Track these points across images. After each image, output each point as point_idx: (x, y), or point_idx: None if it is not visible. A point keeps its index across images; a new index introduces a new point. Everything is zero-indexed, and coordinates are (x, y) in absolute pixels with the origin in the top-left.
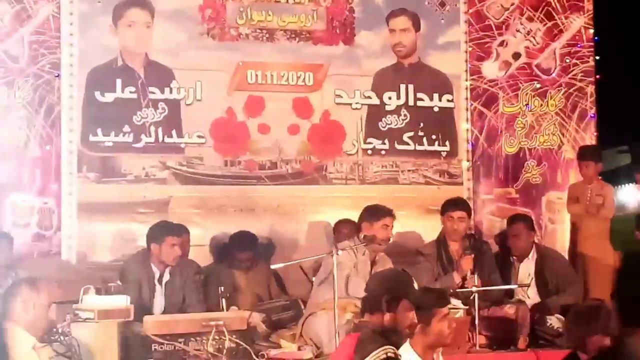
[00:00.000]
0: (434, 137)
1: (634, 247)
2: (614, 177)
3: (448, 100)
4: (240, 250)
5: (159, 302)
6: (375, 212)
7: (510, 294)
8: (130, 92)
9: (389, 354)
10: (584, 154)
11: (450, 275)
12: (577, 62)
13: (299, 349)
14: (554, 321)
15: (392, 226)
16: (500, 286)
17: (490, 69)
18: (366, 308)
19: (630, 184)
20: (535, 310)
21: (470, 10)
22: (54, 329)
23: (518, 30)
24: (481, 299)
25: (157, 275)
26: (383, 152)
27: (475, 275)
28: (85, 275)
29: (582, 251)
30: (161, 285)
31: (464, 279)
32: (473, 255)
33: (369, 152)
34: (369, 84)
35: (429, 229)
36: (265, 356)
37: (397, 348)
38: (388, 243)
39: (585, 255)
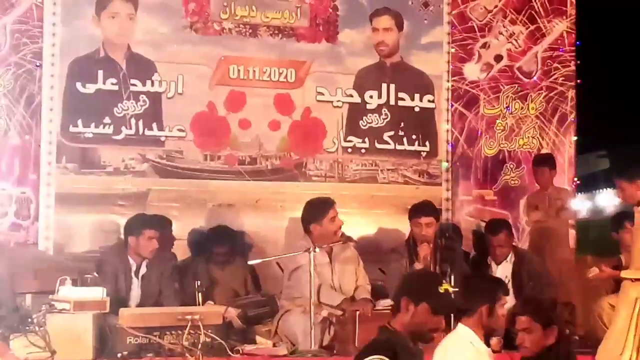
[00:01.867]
0: (414, 137)
1: (610, 249)
2: (593, 181)
3: (429, 101)
4: (218, 244)
5: (135, 294)
6: (319, 208)
7: None
8: (112, 84)
9: None
10: (539, 161)
11: (412, 267)
12: (559, 66)
13: (274, 345)
14: None
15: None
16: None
17: (472, 70)
18: (394, 308)
19: (609, 188)
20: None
21: (454, 12)
22: (29, 319)
23: (501, 33)
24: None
25: (133, 268)
26: (363, 150)
27: (447, 272)
28: (62, 266)
29: (543, 256)
30: (137, 278)
31: (426, 267)
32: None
33: (349, 150)
34: (350, 82)
35: (406, 227)
36: (240, 351)
37: (410, 351)
38: (343, 234)
39: (545, 260)
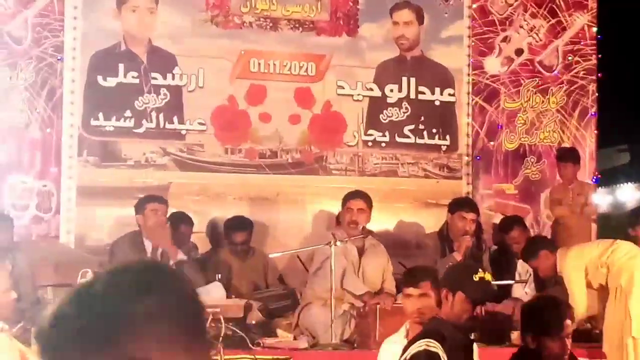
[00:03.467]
0: (434, 130)
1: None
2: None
3: (449, 95)
4: (235, 232)
5: None
6: (344, 197)
7: (507, 290)
8: (133, 77)
9: (430, 347)
10: (563, 155)
11: (451, 255)
12: (580, 59)
13: (294, 338)
14: None
15: (363, 209)
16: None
17: (493, 64)
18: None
19: (629, 183)
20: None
21: (474, 5)
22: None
23: (521, 27)
24: None
25: (149, 253)
26: (383, 144)
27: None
28: (83, 259)
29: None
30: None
31: (465, 259)
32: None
33: (369, 144)
34: (371, 76)
35: (427, 221)
36: (261, 344)
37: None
38: (360, 229)
39: None
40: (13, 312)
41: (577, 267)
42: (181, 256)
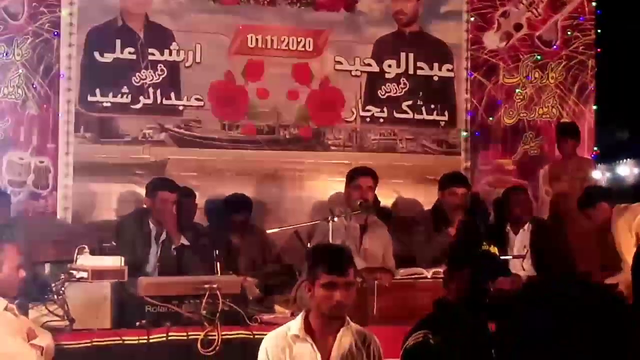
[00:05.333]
0: (432, 106)
1: None
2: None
3: (448, 70)
4: (235, 212)
5: (153, 261)
6: (350, 174)
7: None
8: (130, 53)
9: (428, 339)
10: (562, 130)
11: (445, 232)
12: (579, 35)
13: (292, 314)
14: None
15: (371, 187)
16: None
17: (491, 39)
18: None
19: (628, 159)
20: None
21: None
22: (48, 288)
23: (520, 1)
24: None
25: (153, 233)
26: (381, 120)
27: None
28: (80, 235)
29: (565, 226)
30: (157, 244)
31: (459, 233)
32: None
33: (368, 119)
34: (369, 52)
35: (426, 197)
36: (259, 320)
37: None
38: (369, 205)
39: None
40: (20, 290)
41: (627, 228)
42: (183, 241)
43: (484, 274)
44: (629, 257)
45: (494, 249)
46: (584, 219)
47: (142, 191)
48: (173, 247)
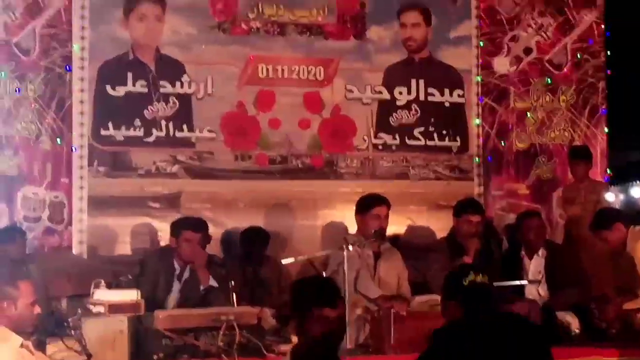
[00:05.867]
0: (444, 132)
1: None
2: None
3: (459, 96)
4: (252, 245)
5: (174, 298)
6: (366, 203)
7: (519, 291)
8: (141, 86)
9: None
10: (574, 153)
11: (461, 259)
12: (589, 57)
13: None
14: (566, 319)
15: (387, 215)
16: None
17: (502, 64)
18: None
19: None
20: (545, 307)
21: (482, 5)
22: (65, 323)
23: (529, 25)
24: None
25: (177, 272)
26: (394, 147)
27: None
28: (96, 269)
29: (579, 250)
30: (179, 282)
31: (475, 261)
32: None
33: (380, 147)
34: (379, 79)
35: (439, 224)
36: (275, 351)
37: None
38: (383, 234)
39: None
40: (35, 326)
41: None
42: (212, 282)
43: (472, 305)
44: None
45: (481, 278)
46: (598, 241)
47: (155, 224)
48: (202, 287)
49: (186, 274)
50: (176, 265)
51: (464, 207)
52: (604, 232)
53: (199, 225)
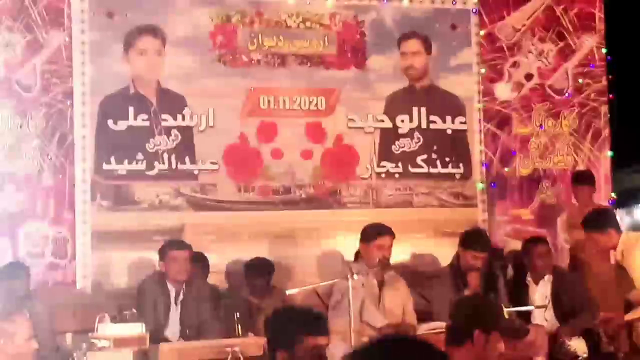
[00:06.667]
0: (447, 159)
1: None
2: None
3: (461, 122)
4: (256, 276)
5: (174, 322)
6: (370, 232)
7: (526, 316)
8: (143, 120)
9: None
10: (578, 178)
11: (462, 293)
12: (590, 81)
13: None
14: (574, 344)
15: (391, 245)
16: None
17: (503, 90)
18: (453, 339)
19: None
20: (553, 333)
21: (482, 32)
22: (70, 358)
23: (530, 51)
24: None
25: (172, 294)
26: (397, 175)
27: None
28: (101, 304)
29: (585, 274)
30: (177, 305)
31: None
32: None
33: (383, 175)
34: (381, 108)
35: (444, 251)
36: None
37: None
38: (388, 263)
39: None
40: None
41: None
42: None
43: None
44: None
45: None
46: (588, 241)
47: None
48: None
49: (181, 296)
50: (170, 287)
51: (472, 242)
52: (597, 234)
53: (182, 244)
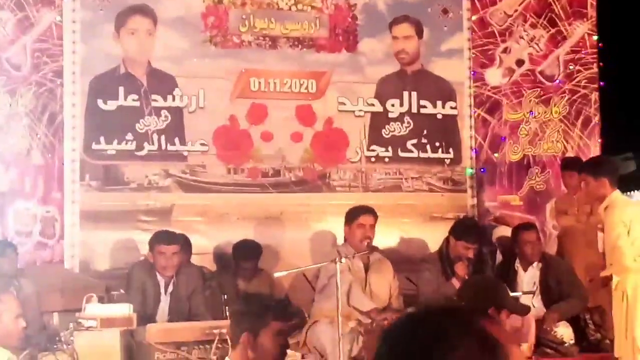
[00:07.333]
0: (437, 144)
1: None
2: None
3: (451, 108)
4: (244, 259)
5: (163, 311)
6: (353, 212)
7: None
8: (133, 100)
9: None
10: (567, 164)
11: (450, 283)
12: (581, 68)
13: (302, 356)
14: (561, 330)
15: (374, 225)
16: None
17: (494, 75)
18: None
19: (636, 191)
20: (540, 318)
21: (474, 17)
22: (57, 338)
23: (521, 37)
24: None
25: (162, 284)
26: (386, 159)
27: None
28: (88, 284)
29: (573, 261)
30: (166, 295)
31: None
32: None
33: (372, 159)
34: (372, 91)
35: (432, 236)
36: None
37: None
38: (375, 246)
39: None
40: (21, 340)
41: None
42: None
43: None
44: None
45: None
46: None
47: (148, 238)
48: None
49: (170, 287)
50: (159, 278)
51: (463, 233)
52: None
53: (171, 238)
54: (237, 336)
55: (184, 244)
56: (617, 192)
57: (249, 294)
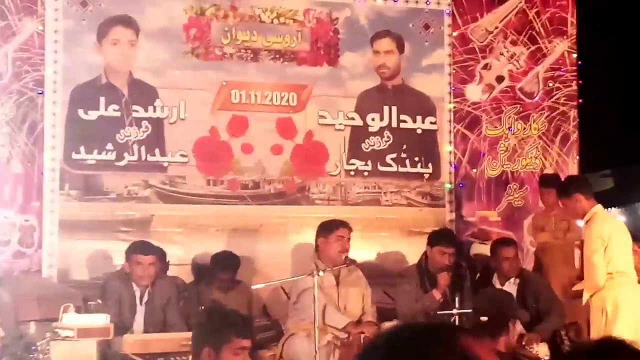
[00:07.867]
0: (416, 159)
1: None
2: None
3: (431, 123)
4: (222, 270)
5: (139, 321)
6: (329, 225)
7: None
8: (114, 110)
9: None
10: (545, 181)
11: (430, 294)
12: (560, 86)
13: None
14: (536, 346)
15: (349, 238)
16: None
17: (474, 91)
18: (488, 333)
19: (613, 208)
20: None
21: (455, 33)
22: (33, 347)
23: (502, 54)
24: (461, 323)
25: (137, 295)
26: (366, 173)
27: (456, 298)
28: (66, 294)
29: (549, 277)
30: (142, 305)
31: (444, 295)
32: (450, 273)
33: (352, 173)
34: (352, 105)
35: (410, 250)
36: None
37: None
38: (353, 260)
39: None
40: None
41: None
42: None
43: None
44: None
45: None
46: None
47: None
48: (157, 306)
49: (146, 297)
50: (135, 288)
51: (439, 238)
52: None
53: (148, 248)
54: (199, 351)
55: (161, 256)
56: (598, 207)
57: (212, 307)
